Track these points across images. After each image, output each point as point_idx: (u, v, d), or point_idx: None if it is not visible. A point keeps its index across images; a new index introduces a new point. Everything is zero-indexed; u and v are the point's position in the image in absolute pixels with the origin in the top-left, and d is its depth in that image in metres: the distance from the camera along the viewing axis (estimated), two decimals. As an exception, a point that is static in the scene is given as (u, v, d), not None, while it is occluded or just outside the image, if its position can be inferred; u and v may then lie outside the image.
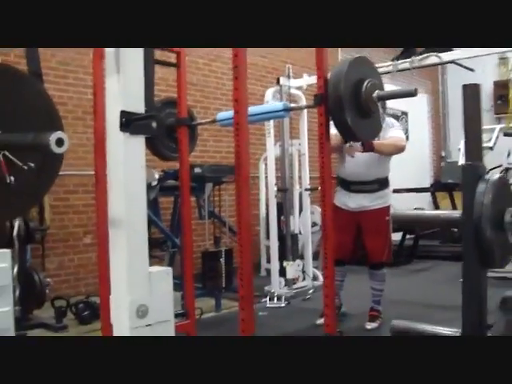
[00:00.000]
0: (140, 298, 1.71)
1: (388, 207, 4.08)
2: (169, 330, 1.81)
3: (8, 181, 1.38)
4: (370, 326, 4.10)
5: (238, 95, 2.27)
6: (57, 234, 5.47)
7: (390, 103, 8.91)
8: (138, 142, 1.75)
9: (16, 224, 4.03)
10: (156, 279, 1.79)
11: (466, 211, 1.33)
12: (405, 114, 9.62)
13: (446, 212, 1.44)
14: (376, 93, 2.53)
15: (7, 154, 1.36)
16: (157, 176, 5.24)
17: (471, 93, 1.43)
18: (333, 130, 3.69)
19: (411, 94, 2.45)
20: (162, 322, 1.79)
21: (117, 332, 1.75)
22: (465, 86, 1.46)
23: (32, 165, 1.43)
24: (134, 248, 1.73)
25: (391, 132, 4.03)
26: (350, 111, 2.51)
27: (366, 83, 2.53)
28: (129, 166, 1.72)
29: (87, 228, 5.53)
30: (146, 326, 1.73)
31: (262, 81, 7.60)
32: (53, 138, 1.17)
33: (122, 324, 1.72)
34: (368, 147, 3.74)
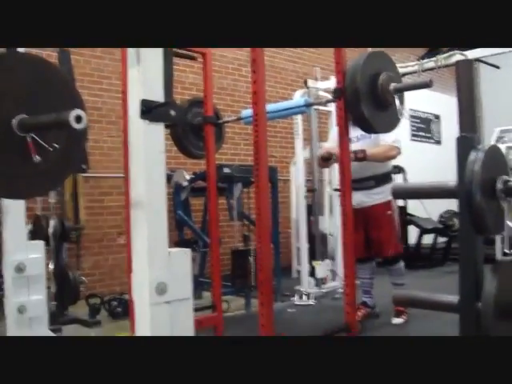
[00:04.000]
0: (159, 275, 1.80)
1: (388, 202, 4.14)
2: (187, 308, 1.89)
3: (35, 161, 1.48)
4: (395, 321, 4.13)
5: (257, 88, 2.36)
6: (92, 234, 5.63)
7: (421, 107, 9.00)
8: (158, 129, 1.85)
9: (51, 222, 4.17)
10: (175, 259, 1.87)
11: (459, 180, 1.39)
12: (437, 117, 9.56)
13: (442, 182, 1.48)
14: (393, 85, 2.59)
15: (34, 135, 1.48)
16: (187, 177, 5.38)
17: (464, 67, 1.49)
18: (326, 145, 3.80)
19: (426, 85, 2.50)
20: (181, 300, 1.87)
21: (138, 309, 1.84)
22: (457, 62, 1.52)
23: (56, 145, 1.53)
24: (154, 228, 1.82)
25: (386, 135, 3.87)
26: (367, 103, 2.57)
27: (382, 76, 2.59)
28: (149, 151, 1.82)
29: (121, 229, 5.66)
30: (165, 302, 1.82)
31: (292, 85, 7.69)
32: (72, 114, 1.28)
33: (143, 300, 1.81)
34: (360, 157, 3.78)
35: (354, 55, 2.74)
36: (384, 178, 4.20)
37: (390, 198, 4.11)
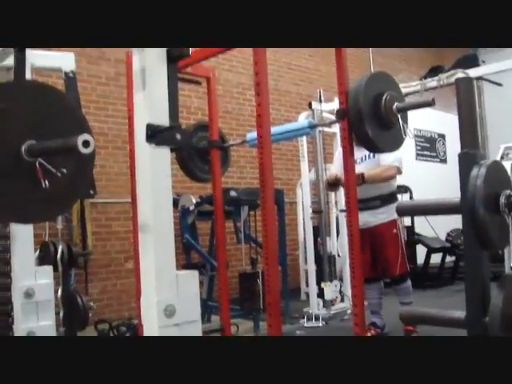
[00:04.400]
0: (167, 298, 1.81)
1: (393, 221, 4.19)
2: (196, 330, 1.90)
3: (43, 186, 1.50)
4: (405, 340, 4.10)
5: (261, 111, 2.39)
6: (99, 259, 5.64)
7: (426, 126, 9.02)
8: (164, 153, 1.87)
9: (59, 248, 4.18)
10: (183, 281, 1.88)
11: (462, 195, 1.41)
12: (442, 136, 9.57)
13: (446, 198, 1.49)
14: (395, 104, 2.61)
15: (42, 161, 1.50)
16: (194, 201, 5.41)
17: (465, 85, 1.51)
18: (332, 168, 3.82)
19: (429, 103, 2.52)
20: (190, 322, 1.88)
21: (147, 332, 1.85)
22: (457, 80, 1.54)
23: (64, 171, 1.55)
24: (162, 251, 1.84)
25: (386, 155, 3.95)
26: (371, 123, 2.59)
27: (385, 96, 2.62)
28: (155, 175, 1.85)
29: (129, 254, 5.67)
30: (174, 325, 1.82)
31: (296, 107, 7.74)
32: (80, 139, 1.30)
33: (152, 323, 1.82)
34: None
35: (356, 77, 2.77)
36: (389, 198, 4.23)
37: (396, 216, 4.13)
